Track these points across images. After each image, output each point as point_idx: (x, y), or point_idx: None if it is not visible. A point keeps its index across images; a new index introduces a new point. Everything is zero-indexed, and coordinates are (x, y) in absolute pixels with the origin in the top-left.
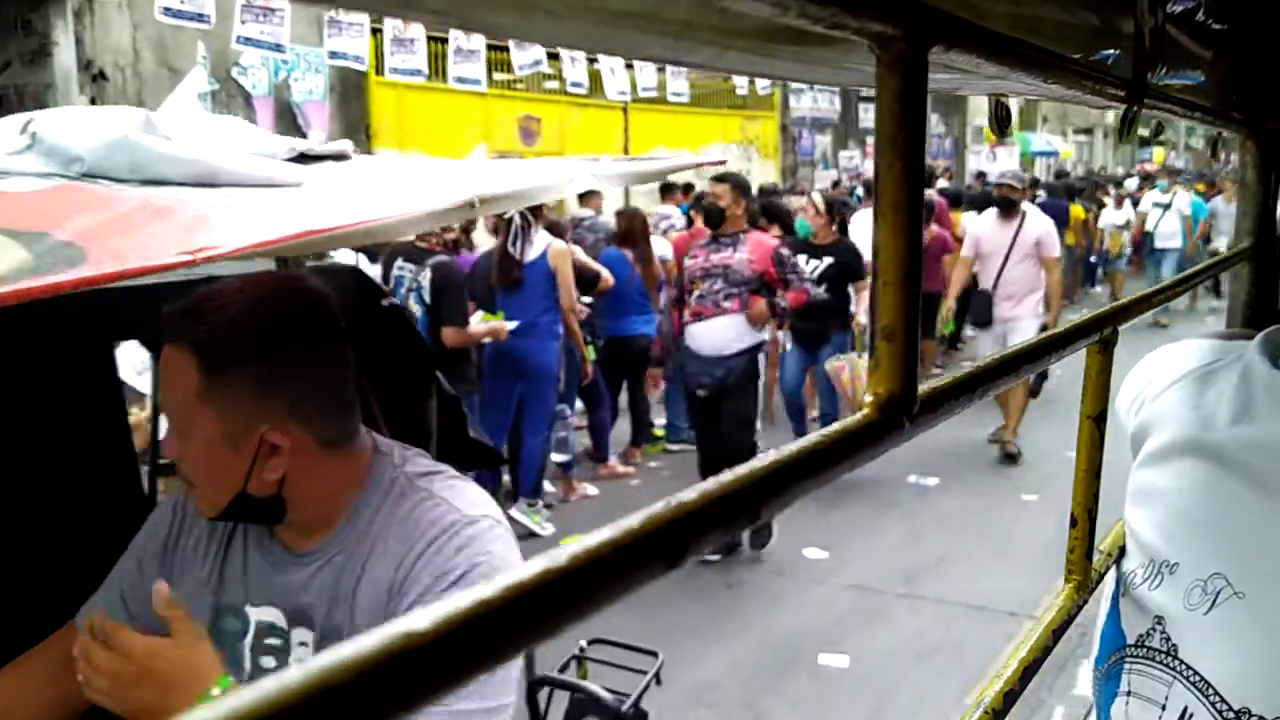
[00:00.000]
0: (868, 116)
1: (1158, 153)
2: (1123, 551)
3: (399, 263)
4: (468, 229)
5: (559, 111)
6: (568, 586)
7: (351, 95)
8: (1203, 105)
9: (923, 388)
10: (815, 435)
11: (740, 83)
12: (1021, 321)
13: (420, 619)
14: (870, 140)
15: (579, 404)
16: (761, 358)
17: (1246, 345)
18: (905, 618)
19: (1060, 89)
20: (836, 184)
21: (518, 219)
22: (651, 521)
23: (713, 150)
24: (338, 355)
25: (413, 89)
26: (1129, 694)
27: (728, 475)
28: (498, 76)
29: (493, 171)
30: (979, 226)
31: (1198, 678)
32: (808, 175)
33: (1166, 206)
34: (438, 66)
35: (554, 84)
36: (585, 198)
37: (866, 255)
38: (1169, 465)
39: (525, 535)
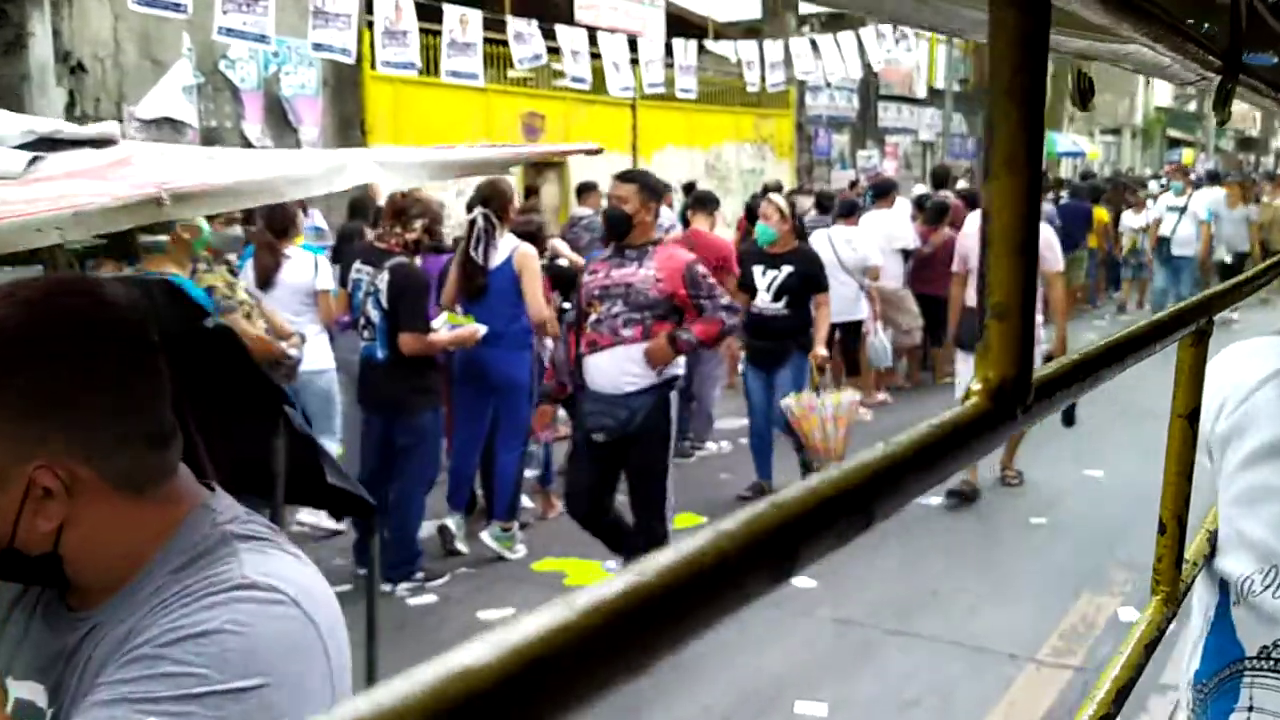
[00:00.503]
0: (886, 115)
1: (1187, 154)
2: (1208, 560)
3: (356, 265)
4: (431, 230)
5: (564, 108)
6: (662, 606)
7: (345, 90)
8: None
9: (1037, 373)
10: (924, 426)
11: (753, 80)
12: None
13: (480, 649)
14: (889, 141)
15: (562, 414)
16: (674, 396)
17: None
18: (894, 658)
19: (1163, 49)
20: (854, 184)
21: (480, 220)
22: (754, 524)
23: (537, 145)
24: (142, 374)
25: (409, 84)
26: (1251, 709)
27: (835, 472)
28: (509, 74)
29: (222, 162)
30: (968, 237)
31: None
32: (823, 175)
33: (1182, 210)
34: (433, 61)
35: (563, 81)
36: (583, 195)
37: (874, 258)
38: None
39: (494, 559)
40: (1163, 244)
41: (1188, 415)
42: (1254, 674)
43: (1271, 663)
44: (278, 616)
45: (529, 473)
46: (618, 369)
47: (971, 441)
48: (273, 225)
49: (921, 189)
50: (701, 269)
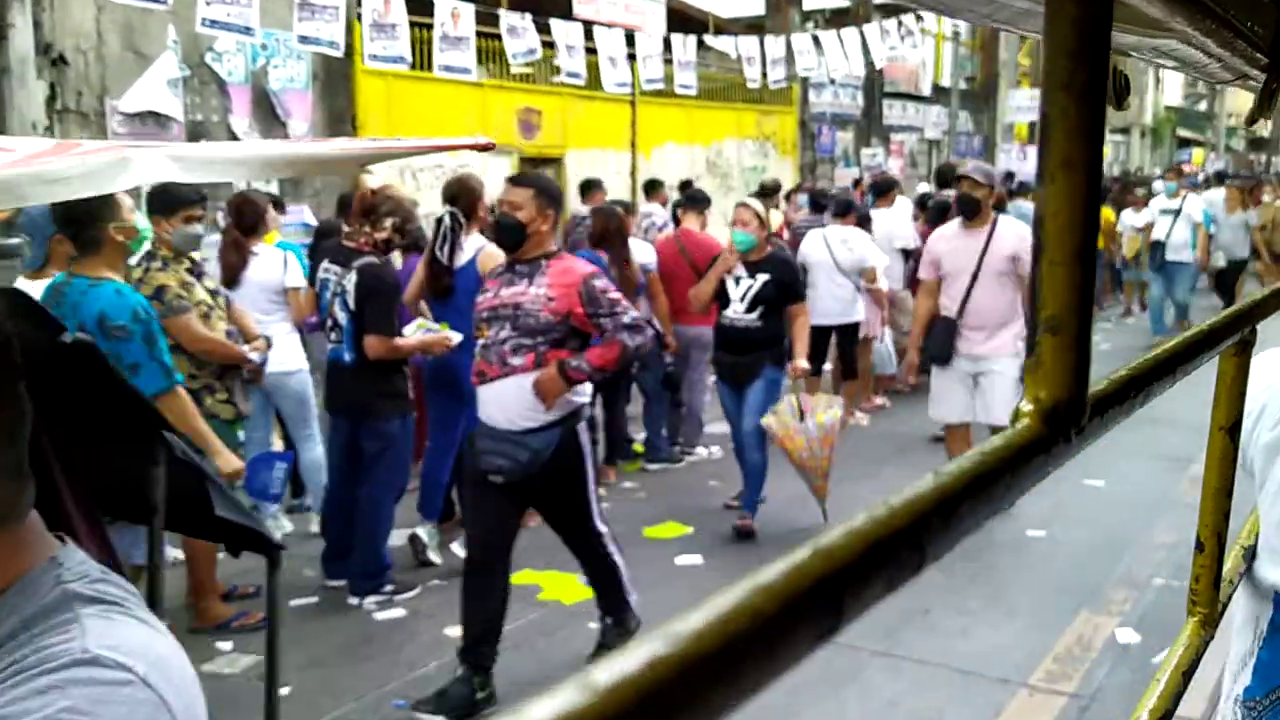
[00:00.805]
0: (891, 113)
1: (1197, 154)
2: (1246, 574)
3: (324, 264)
4: (403, 229)
5: (561, 104)
6: (694, 678)
7: (336, 84)
8: None
9: (1091, 389)
10: (973, 454)
11: (753, 76)
12: (997, 363)
13: None
14: (894, 139)
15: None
16: (583, 428)
17: None
18: (880, 681)
19: (1212, 45)
20: (858, 182)
21: (447, 219)
22: (794, 576)
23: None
24: (5, 398)
25: (402, 78)
26: None
27: (881, 508)
28: (497, 66)
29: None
30: (939, 240)
31: None
32: (827, 173)
33: (1176, 213)
34: (424, 54)
35: (562, 77)
36: (586, 193)
37: (870, 258)
38: None
39: None
40: (1156, 249)
41: (1229, 428)
42: None
43: None
44: (124, 700)
45: None
46: (512, 403)
47: (1023, 469)
48: (241, 222)
49: (925, 188)
50: (601, 283)
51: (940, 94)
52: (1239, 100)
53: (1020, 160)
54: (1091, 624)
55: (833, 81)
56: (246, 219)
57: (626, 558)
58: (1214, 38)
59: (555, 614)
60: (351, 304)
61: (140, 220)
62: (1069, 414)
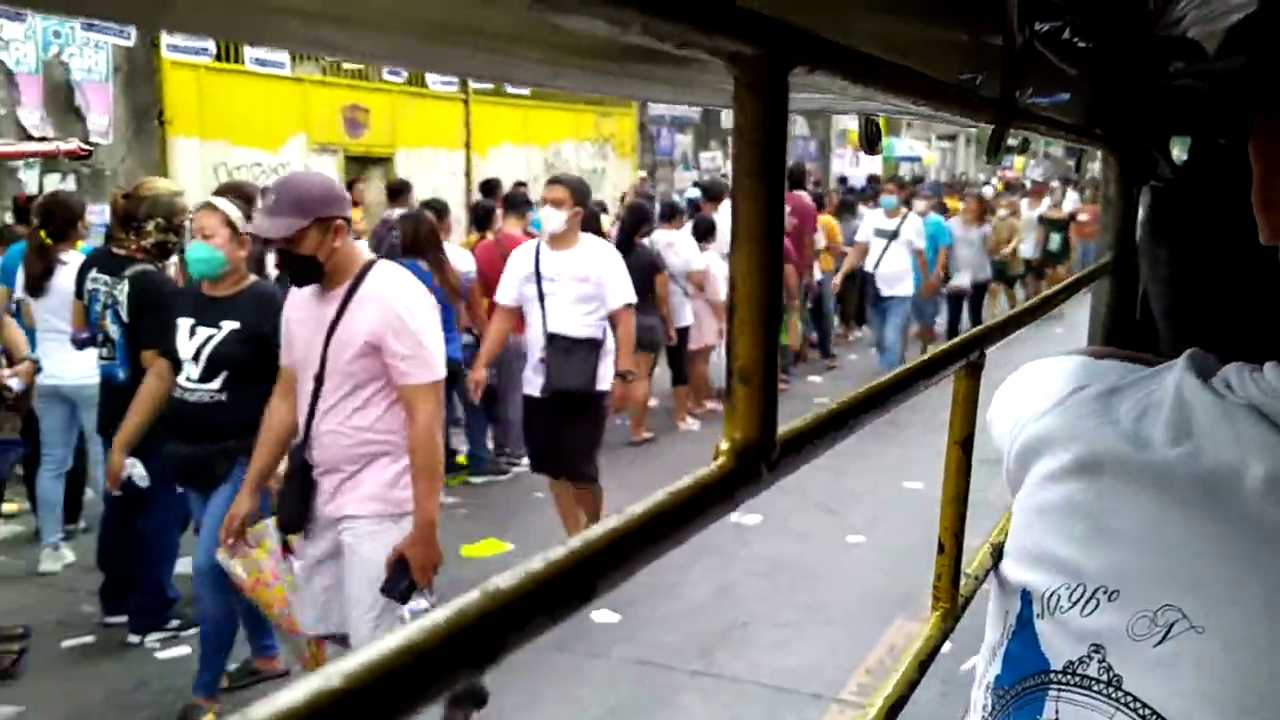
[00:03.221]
0: (730, 117)
1: (1018, 161)
2: (996, 569)
3: (93, 273)
4: (171, 226)
5: (390, 101)
6: (351, 712)
7: (139, 76)
8: (1067, 123)
9: (782, 429)
10: (662, 493)
11: None
12: (356, 528)
13: None
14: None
15: None
16: None
17: (1138, 367)
18: (692, 703)
19: (929, 110)
20: (698, 184)
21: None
22: (460, 618)
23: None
24: None
25: (213, 71)
26: None
27: (560, 550)
28: (323, 61)
29: None
30: (289, 305)
31: (1148, 710)
32: (667, 176)
33: (893, 236)
34: (236, 46)
35: (394, 75)
36: (395, 196)
37: (696, 262)
38: (1086, 483)
39: None
40: (867, 280)
41: (962, 442)
42: (1060, 688)
43: (1078, 678)
44: None
45: None
46: None
47: (716, 502)
48: (49, 226)
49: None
50: None
51: None
52: None
53: (854, 165)
54: (904, 631)
55: None
56: (55, 223)
57: (442, 578)
58: (929, 104)
59: None
60: (125, 316)
61: None
62: (760, 452)
